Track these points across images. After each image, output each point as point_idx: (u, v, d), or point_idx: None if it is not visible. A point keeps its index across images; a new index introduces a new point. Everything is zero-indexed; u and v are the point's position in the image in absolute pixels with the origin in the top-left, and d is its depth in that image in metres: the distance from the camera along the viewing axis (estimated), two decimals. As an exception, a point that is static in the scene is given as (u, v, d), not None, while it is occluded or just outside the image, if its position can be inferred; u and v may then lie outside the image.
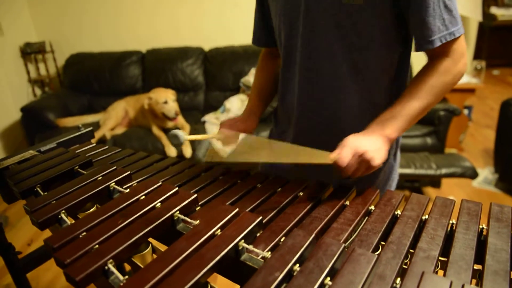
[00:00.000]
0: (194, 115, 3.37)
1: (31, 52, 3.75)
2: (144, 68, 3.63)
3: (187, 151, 2.88)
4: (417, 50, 0.89)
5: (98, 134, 3.03)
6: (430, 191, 2.78)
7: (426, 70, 0.89)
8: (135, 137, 3.04)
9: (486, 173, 3.01)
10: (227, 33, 3.64)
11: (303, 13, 0.92)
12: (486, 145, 3.49)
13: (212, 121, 3.17)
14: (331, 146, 0.86)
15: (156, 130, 3.04)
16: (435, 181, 2.57)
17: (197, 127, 3.13)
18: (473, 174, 2.20)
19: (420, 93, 0.87)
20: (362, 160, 0.82)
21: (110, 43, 3.84)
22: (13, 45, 3.69)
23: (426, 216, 0.77)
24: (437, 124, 2.66)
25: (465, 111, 3.39)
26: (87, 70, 3.67)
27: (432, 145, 2.67)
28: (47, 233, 0.80)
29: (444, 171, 2.18)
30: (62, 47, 3.93)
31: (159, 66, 3.55)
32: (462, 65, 0.89)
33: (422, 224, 0.75)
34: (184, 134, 0.97)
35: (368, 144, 0.82)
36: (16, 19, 3.72)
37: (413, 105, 0.87)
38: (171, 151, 2.89)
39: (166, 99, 2.97)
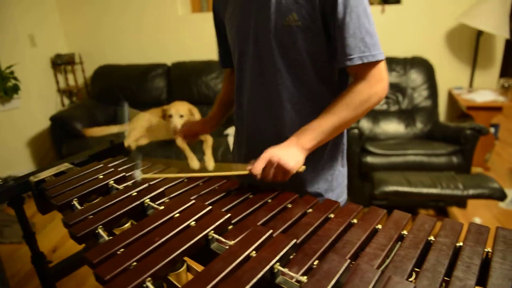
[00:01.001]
0: (218, 129, 3.40)
1: (61, 63, 3.87)
2: (169, 81, 3.70)
3: (210, 165, 2.91)
4: (336, 66, 1.01)
5: (123, 145, 3.09)
6: (456, 211, 2.72)
7: (346, 91, 1.01)
8: (159, 149, 3.09)
9: (513, 193, 2.93)
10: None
11: (252, 36, 1.06)
12: (513, 165, 3.41)
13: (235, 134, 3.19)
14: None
15: (179, 142, 3.08)
16: (461, 202, 2.52)
17: (220, 140, 3.16)
18: (501, 196, 2.15)
19: (336, 109, 1.00)
20: (276, 166, 0.95)
21: (137, 55, 3.93)
22: (45, 56, 3.83)
23: (461, 243, 0.76)
24: (463, 143, 2.61)
25: (492, 130, 3.33)
26: (114, 81, 3.76)
27: (458, 164, 2.62)
28: (71, 241, 0.82)
29: (471, 192, 2.13)
30: (91, 58, 4.05)
31: (183, 79, 3.62)
32: (380, 89, 1.00)
33: (456, 252, 0.74)
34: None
35: (281, 153, 0.96)
36: (48, 32, 3.86)
37: (329, 120, 1.00)
38: (194, 164, 2.92)
39: (172, 113, 3.03)
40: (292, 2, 0.98)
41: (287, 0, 0.98)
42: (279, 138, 1.09)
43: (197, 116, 3.17)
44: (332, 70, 1.08)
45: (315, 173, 1.14)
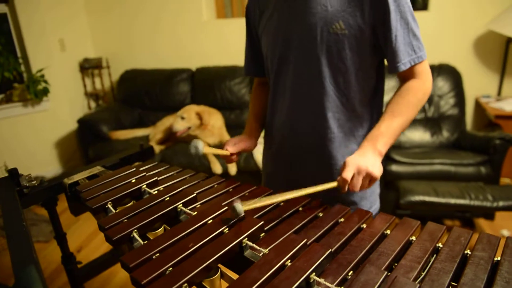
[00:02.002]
0: (240, 133, 3.41)
1: (89, 67, 3.97)
2: (193, 86, 3.74)
3: (232, 170, 2.92)
4: (390, 72, 1.04)
5: (147, 148, 3.13)
6: (483, 223, 2.65)
7: (401, 91, 1.05)
8: (182, 153, 3.13)
9: (544, 206, 2.83)
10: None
11: (295, 43, 1.06)
12: (544, 176, 3.30)
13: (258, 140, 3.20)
14: (320, 157, 1.11)
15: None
16: (489, 213, 2.46)
17: (243, 145, 3.17)
18: (532, 208, 2.08)
19: (399, 110, 1.03)
20: (365, 176, 0.95)
21: (162, 60, 4.00)
22: (73, 61, 3.93)
23: (498, 258, 0.74)
24: (492, 153, 2.55)
25: (521, 140, 3.24)
26: (139, 85, 3.83)
27: (486, 174, 2.55)
28: (96, 241, 0.84)
29: (501, 203, 2.08)
30: (117, 63, 4.13)
31: (207, 83, 3.65)
32: (429, 84, 1.06)
33: (494, 266, 0.72)
34: (203, 147, 1.07)
35: (366, 161, 0.96)
36: (77, 37, 3.96)
37: (395, 122, 1.03)
38: (217, 168, 2.94)
39: (177, 114, 3.12)
40: (339, 11, 0.99)
41: (334, 8, 0.99)
42: (318, 146, 1.11)
43: (211, 122, 3.18)
44: (372, 79, 1.10)
45: None
